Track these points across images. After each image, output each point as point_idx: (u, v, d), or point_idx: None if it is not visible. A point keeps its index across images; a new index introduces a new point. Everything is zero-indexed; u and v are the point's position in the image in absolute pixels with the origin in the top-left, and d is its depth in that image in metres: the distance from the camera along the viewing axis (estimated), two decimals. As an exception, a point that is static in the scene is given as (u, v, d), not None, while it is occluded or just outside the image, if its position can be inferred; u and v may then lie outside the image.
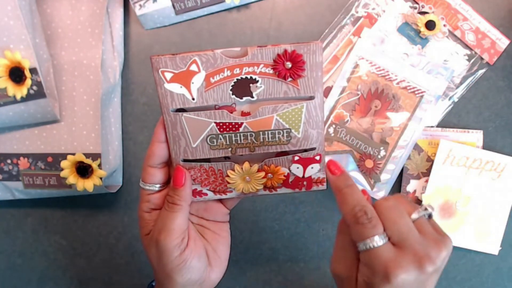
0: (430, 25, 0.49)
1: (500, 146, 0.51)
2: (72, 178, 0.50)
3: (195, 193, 0.39)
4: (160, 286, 0.39)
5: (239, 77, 0.35)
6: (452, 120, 0.52)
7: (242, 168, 0.38)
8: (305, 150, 0.38)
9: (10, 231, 0.56)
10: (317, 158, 0.38)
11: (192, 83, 0.35)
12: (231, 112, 0.37)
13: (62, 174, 0.50)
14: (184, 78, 0.35)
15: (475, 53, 0.51)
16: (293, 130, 0.37)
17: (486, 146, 0.51)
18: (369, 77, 0.50)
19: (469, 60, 0.51)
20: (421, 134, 0.51)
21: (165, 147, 0.37)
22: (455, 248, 0.52)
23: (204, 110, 0.36)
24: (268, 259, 0.54)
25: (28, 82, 0.47)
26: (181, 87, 0.36)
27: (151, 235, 0.37)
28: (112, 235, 0.56)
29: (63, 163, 0.50)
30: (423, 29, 0.49)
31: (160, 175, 0.38)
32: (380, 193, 0.51)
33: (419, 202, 0.51)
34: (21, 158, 0.52)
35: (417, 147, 0.51)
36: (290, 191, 0.40)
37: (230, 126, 0.37)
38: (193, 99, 0.36)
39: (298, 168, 0.39)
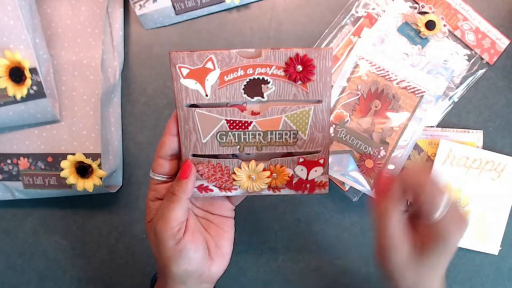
0: (430, 25, 0.49)
1: (500, 146, 0.51)
2: (72, 178, 0.50)
3: (201, 188, 0.40)
4: (160, 276, 0.40)
5: (251, 77, 0.36)
6: (452, 120, 0.52)
7: (248, 166, 0.39)
8: (310, 153, 0.39)
9: (10, 231, 0.56)
10: (321, 161, 0.39)
11: (207, 80, 0.36)
12: (242, 111, 0.38)
13: (62, 174, 0.50)
14: (200, 75, 0.36)
15: (475, 53, 0.51)
16: (299, 132, 0.38)
17: (486, 146, 0.51)
18: (369, 77, 0.50)
19: (469, 60, 0.51)
20: (421, 134, 0.51)
21: (176, 140, 0.38)
22: (455, 248, 0.52)
23: (216, 107, 0.37)
24: (268, 259, 0.54)
25: (28, 82, 0.47)
26: (196, 83, 0.37)
27: (151, 223, 0.39)
28: (112, 235, 0.56)
29: (63, 163, 0.50)
30: (423, 29, 0.49)
31: (168, 167, 0.39)
32: None
33: (419, 202, 0.51)
34: (21, 158, 0.52)
35: (417, 147, 0.51)
36: (293, 192, 0.40)
37: (240, 124, 0.38)
38: (207, 95, 0.37)
39: (302, 170, 0.39)
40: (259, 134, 0.38)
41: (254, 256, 0.54)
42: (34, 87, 0.47)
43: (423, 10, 0.50)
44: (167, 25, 0.53)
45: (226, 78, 0.36)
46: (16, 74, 0.46)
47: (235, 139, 0.38)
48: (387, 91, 0.50)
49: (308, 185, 0.40)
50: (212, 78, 0.36)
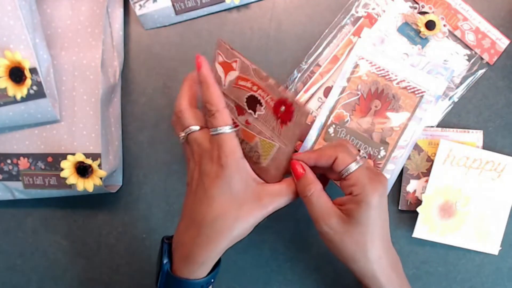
0: (430, 25, 0.49)
1: (500, 146, 0.51)
2: (72, 178, 0.50)
3: None
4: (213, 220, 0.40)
5: (254, 94, 0.41)
6: (452, 120, 0.52)
7: None
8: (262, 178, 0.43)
9: (10, 231, 0.56)
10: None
11: (229, 74, 0.43)
12: (239, 114, 0.43)
13: (62, 174, 0.50)
14: (226, 68, 0.42)
15: (475, 53, 0.51)
16: (261, 157, 0.42)
17: (486, 146, 0.51)
18: (369, 77, 0.50)
19: (469, 60, 0.51)
20: (421, 134, 0.51)
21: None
22: (455, 248, 0.52)
23: (225, 98, 0.43)
24: (268, 259, 0.54)
25: (28, 82, 0.47)
26: (222, 71, 0.43)
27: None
28: (112, 235, 0.56)
29: (63, 163, 0.50)
30: (423, 29, 0.49)
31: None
32: None
33: (419, 202, 0.51)
34: (21, 158, 0.52)
35: (417, 147, 0.51)
36: None
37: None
38: (224, 85, 0.43)
39: None
40: (238, 138, 0.42)
41: (254, 256, 0.54)
42: (34, 87, 0.47)
43: (423, 10, 0.50)
44: (167, 25, 0.53)
45: (240, 82, 0.42)
46: (16, 74, 0.46)
47: None
48: (387, 91, 0.50)
49: None
50: (232, 76, 0.42)
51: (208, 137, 0.40)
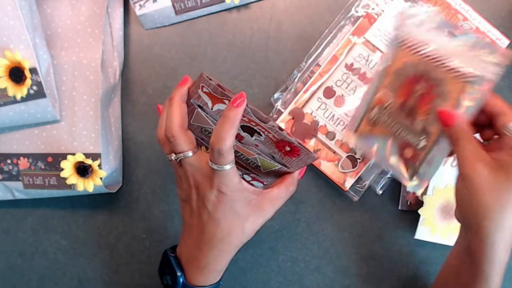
0: (430, 25, 0.49)
1: (500, 146, 0.51)
2: (72, 178, 0.50)
3: None
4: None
5: (251, 126, 0.41)
6: (452, 120, 0.52)
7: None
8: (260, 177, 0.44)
9: (10, 231, 0.56)
10: (265, 183, 0.44)
11: (218, 105, 0.41)
12: None
13: (62, 174, 0.50)
14: (214, 99, 0.40)
15: (475, 53, 0.51)
16: (261, 168, 0.42)
17: (486, 146, 0.51)
18: (413, 59, 0.43)
19: (469, 60, 0.50)
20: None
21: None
22: (455, 248, 0.52)
23: (213, 118, 0.41)
24: (268, 259, 0.54)
25: (28, 82, 0.47)
26: (208, 100, 0.41)
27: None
28: (112, 235, 0.56)
29: (63, 163, 0.50)
30: (423, 29, 0.49)
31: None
32: (417, 187, 0.45)
33: (419, 202, 0.51)
34: (21, 158, 0.52)
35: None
36: None
37: None
38: (212, 109, 0.41)
39: (249, 180, 0.45)
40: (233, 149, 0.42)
41: (254, 256, 0.54)
42: (34, 87, 0.47)
43: (423, 10, 0.50)
44: (167, 25, 0.53)
45: None
46: (16, 74, 0.46)
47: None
48: (432, 74, 0.43)
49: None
50: (223, 107, 0.40)
51: (204, 160, 0.40)
